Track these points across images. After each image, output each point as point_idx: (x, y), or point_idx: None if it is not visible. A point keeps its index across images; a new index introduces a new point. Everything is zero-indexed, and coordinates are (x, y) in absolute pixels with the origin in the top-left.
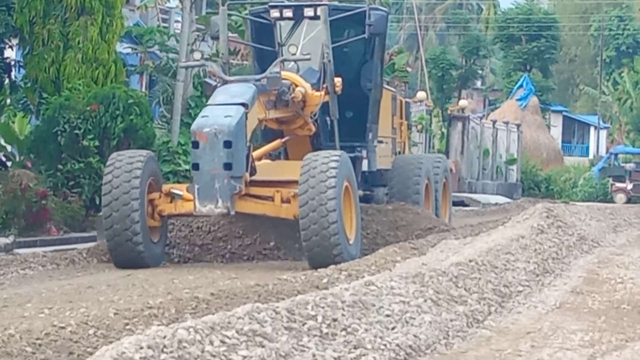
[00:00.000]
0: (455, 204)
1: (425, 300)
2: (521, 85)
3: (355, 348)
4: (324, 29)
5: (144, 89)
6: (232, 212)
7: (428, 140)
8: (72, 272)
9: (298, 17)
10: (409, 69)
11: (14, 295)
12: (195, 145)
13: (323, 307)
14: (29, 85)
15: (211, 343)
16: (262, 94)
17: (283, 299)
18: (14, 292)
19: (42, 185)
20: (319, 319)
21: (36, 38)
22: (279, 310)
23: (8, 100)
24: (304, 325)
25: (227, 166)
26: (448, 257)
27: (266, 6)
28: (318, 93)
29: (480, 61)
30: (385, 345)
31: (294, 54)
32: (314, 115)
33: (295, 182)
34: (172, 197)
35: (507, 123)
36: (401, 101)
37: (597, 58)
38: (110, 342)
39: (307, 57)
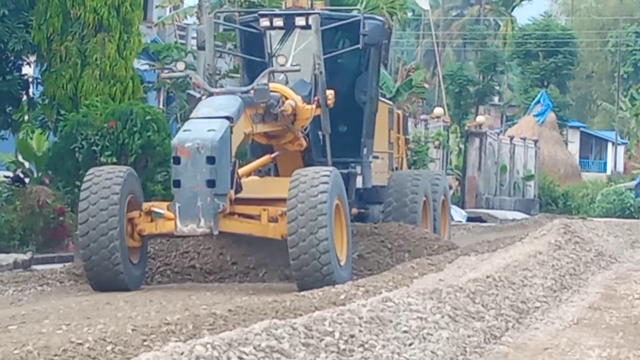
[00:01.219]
0: (472, 219)
1: (443, 317)
2: (538, 101)
3: None
4: (316, 39)
5: (161, 106)
6: (215, 232)
7: (445, 156)
8: (89, 288)
9: (289, 26)
10: (426, 85)
11: (32, 312)
12: (177, 161)
13: (340, 323)
14: (46, 102)
15: (229, 359)
16: (249, 106)
17: (300, 315)
18: (31, 308)
19: (60, 201)
20: (337, 335)
21: (54, 55)
22: (296, 326)
23: (26, 117)
24: (321, 341)
25: (210, 183)
26: (465, 273)
27: (256, 15)
28: (309, 106)
29: (497, 77)
30: None
31: (283, 65)
32: (305, 129)
33: (284, 200)
34: (152, 216)
35: (524, 139)
36: (399, 115)
37: (614, 74)
38: (128, 359)
39: (297, 68)
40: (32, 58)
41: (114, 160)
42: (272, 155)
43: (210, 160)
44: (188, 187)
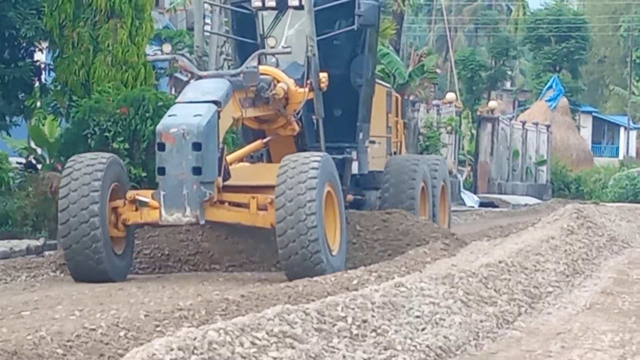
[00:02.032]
0: (485, 205)
1: (455, 302)
2: (551, 86)
3: (385, 349)
4: (309, 20)
5: (173, 92)
6: (202, 222)
7: (457, 141)
8: None
9: (281, 6)
10: (438, 71)
11: (45, 298)
12: (161, 147)
13: (353, 309)
14: (59, 88)
15: (241, 344)
16: (238, 90)
17: (313, 300)
18: (44, 294)
19: None
20: (349, 320)
21: (66, 41)
22: (309, 311)
23: (38, 103)
24: (334, 326)
25: (196, 170)
26: (478, 258)
27: None
28: (302, 90)
29: (509, 62)
30: (415, 346)
31: (273, 47)
32: (297, 113)
33: (274, 188)
34: (137, 204)
35: (536, 124)
36: (397, 98)
37: (626, 58)
38: (141, 344)
39: (287, 50)
40: (45, 44)
41: (126, 146)
42: (264, 141)
43: (196, 146)
44: (173, 174)
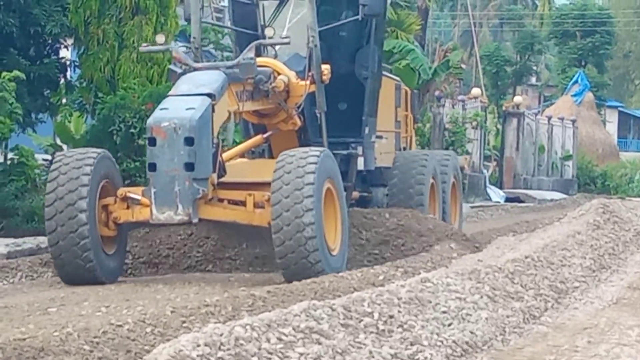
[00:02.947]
0: (510, 200)
1: (482, 297)
2: (576, 81)
3: (411, 345)
4: (310, 10)
5: None
6: (195, 220)
7: (483, 137)
8: (129, 270)
9: None
10: (463, 66)
11: (71, 294)
12: (152, 142)
13: (379, 304)
14: (84, 84)
15: (268, 340)
16: (234, 83)
17: (339, 296)
18: (71, 291)
19: None
20: (375, 315)
21: (91, 38)
22: (335, 307)
23: (64, 100)
24: (360, 322)
25: (189, 166)
26: (504, 254)
27: None
28: (303, 82)
29: (534, 57)
30: (441, 341)
31: (271, 37)
32: (299, 107)
33: None
34: (129, 202)
35: (562, 119)
36: (406, 91)
37: None
38: (168, 340)
39: (286, 40)
40: (70, 41)
41: None
42: (265, 136)
43: (189, 141)
44: (164, 170)
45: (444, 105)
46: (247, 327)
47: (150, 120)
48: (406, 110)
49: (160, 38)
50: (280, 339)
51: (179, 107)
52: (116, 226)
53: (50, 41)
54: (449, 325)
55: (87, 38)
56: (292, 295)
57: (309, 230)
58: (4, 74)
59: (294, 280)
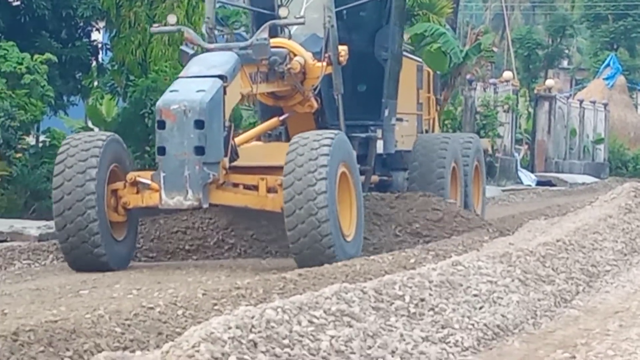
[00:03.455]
0: (542, 183)
1: (513, 280)
2: (608, 65)
3: (442, 328)
4: None
5: None
6: (205, 205)
7: (515, 120)
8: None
9: None
10: (495, 49)
11: (103, 276)
12: (161, 125)
13: (410, 287)
14: (116, 67)
15: (299, 323)
16: (247, 64)
17: (370, 279)
18: (102, 273)
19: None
20: (407, 298)
21: (123, 21)
22: (366, 290)
23: (95, 83)
24: (391, 305)
25: (199, 150)
26: (535, 237)
27: None
28: (319, 64)
29: (566, 40)
30: (472, 325)
31: (286, 17)
32: (315, 89)
33: None
34: (139, 186)
35: (594, 102)
36: (429, 73)
37: None
38: (199, 323)
39: (301, 20)
40: (101, 24)
41: None
42: (281, 118)
43: (199, 124)
44: (174, 154)
45: (475, 89)
46: (279, 309)
47: (159, 103)
48: (428, 92)
49: (172, 18)
50: (311, 322)
51: (189, 90)
52: (126, 211)
53: (82, 24)
54: (480, 308)
55: (118, 21)
56: (323, 278)
57: (322, 214)
58: (36, 56)
59: (306, 266)
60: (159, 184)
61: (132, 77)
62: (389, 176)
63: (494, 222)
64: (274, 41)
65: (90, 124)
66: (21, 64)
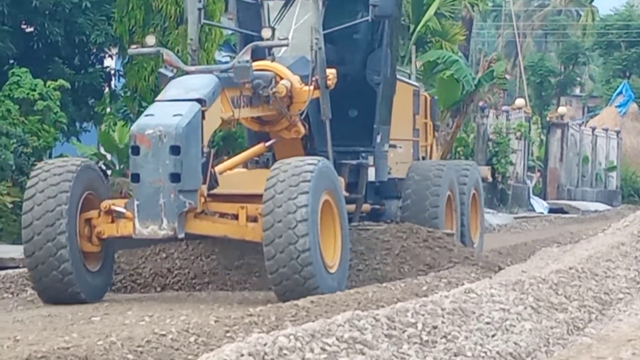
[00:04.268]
0: (554, 211)
1: (526, 308)
2: (620, 92)
3: (455, 355)
4: (315, 9)
5: None
6: (181, 235)
7: (527, 147)
8: None
9: None
10: (507, 76)
11: (115, 303)
12: (135, 151)
13: (423, 315)
14: (128, 94)
15: (312, 350)
16: (228, 87)
17: (383, 306)
18: (114, 299)
19: None
20: (419, 326)
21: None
22: (379, 317)
23: (108, 109)
24: (404, 332)
25: (175, 177)
26: (548, 265)
27: None
28: (307, 88)
29: (579, 68)
30: (485, 352)
31: (268, 39)
32: (302, 114)
33: None
34: (114, 215)
35: (606, 130)
36: (426, 98)
37: None
38: (211, 350)
39: (284, 42)
40: (114, 50)
41: None
42: (267, 144)
43: (175, 150)
44: (148, 182)
45: (487, 116)
46: (291, 337)
47: (133, 128)
48: (425, 118)
49: (150, 39)
50: (324, 349)
51: (166, 114)
52: (100, 241)
53: (95, 50)
54: (493, 336)
55: None
56: (335, 306)
57: (303, 243)
58: (49, 83)
59: (286, 299)
60: (133, 213)
61: (144, 104)
62: (382, 205)
63: (492, 254)
64: (259, 64)
65: (102, 151)
66: (34, 90)
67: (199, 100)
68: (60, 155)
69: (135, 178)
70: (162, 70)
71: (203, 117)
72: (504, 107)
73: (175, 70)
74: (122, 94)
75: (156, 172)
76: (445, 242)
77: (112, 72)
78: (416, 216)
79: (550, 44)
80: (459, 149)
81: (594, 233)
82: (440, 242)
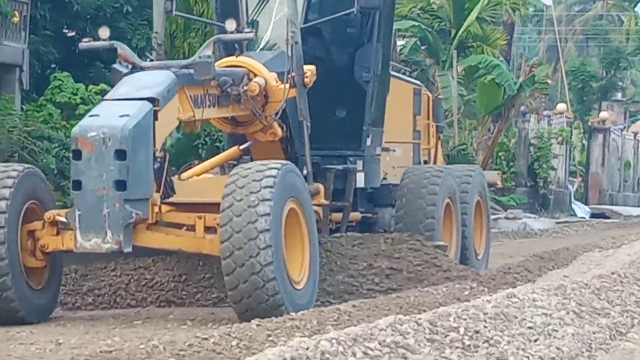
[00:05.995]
0: (596, 216)
1: (568, 313)
2: None
3: None
4: (290, 0)
5: None
6: (127, 249)
7: (568, 152)
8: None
9: None
10: (548, 81)
11: (157, 308)
12: (77, 155)
13: (465, 319)
14: None
15: (354, 355)
16: (188, 85)
17: (425, 310)
18: (156, 304)
19: None
20: (461, 330)
21: (177, 52)
22: (421, 322)
23: None
24: (446, 337)
25: (120, 185)
26: (590, 270)
27: None
28: (282, 86)
29: (620, 73)
30: (527, 357)
31: (233, 31)
32: (277, 114)
33: None
34: (59, 227)
35: None
36: (428, 97)
37: None
38: (253, 354)
39: (249, 35)
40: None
41: None
42: (242, 147)
43: (120, 155)
44: (91, 190)
45: (529, 121)
46: (333, 341)
47: (75, 129)
48: (428, 119)
49: (104, 32)
50: (366, 354)
51: (112, 114)
52: (45, 255)
53: (136, 55)
54: (535, 340)
55: (173, 51)
56: (378, 310)
57: (265, 255)
58: (90, 87)
59: (247, 318)
60: (74, 224)
61: None
62: (374, 213)
63: (534, 259)
64: (230, 60)
65: None
66: (76, 94)
67: (150, 99)
68: None
69: (77, 185)
70: (115, 65)
71: (155, 118)
72: (545, 112)
73: (129, 66)
74: None
75: (99, 179)
76: (434, 255)
77: None
78: (410, 228)
79: (592, 48)
80: (500, 154)
81: (636, 238)
82: (428, 255)
